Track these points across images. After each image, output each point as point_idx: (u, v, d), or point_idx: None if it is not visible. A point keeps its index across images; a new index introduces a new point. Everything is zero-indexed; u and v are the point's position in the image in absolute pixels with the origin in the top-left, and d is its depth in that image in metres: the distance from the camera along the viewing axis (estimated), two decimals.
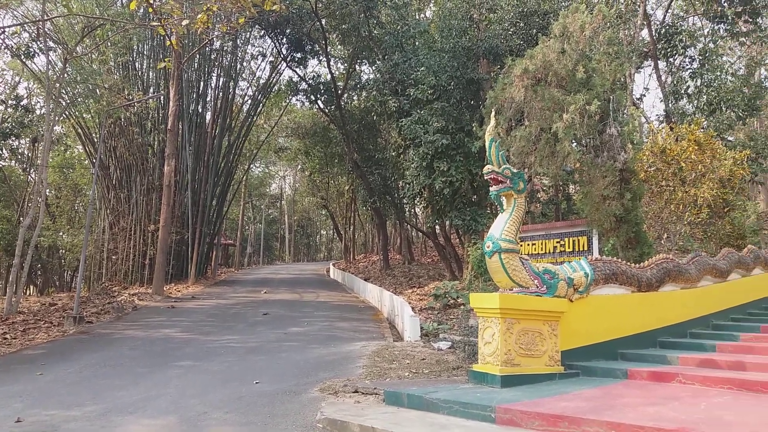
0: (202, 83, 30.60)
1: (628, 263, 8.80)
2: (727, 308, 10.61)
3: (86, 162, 32.54)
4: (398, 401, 6.53)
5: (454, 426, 5.56)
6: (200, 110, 30.62)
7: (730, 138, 20.55)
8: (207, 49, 29.02)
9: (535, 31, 18.13)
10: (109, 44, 23.21)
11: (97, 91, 23.43)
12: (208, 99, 31.47)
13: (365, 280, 25.74)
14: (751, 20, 21.12)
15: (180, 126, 26.97)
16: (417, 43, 22.83)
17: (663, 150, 11.91)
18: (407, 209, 36.46)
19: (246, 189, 48.12)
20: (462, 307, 14.21)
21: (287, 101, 36.97)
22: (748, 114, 21.27)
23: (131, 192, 27.37)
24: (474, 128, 15.47)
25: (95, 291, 24.85)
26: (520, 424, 5.39)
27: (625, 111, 12.05)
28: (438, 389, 6.78)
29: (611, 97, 10.88)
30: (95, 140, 27.06)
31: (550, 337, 7.43)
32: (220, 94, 31.11)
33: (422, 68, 19.55)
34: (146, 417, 6.62)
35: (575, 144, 10.84)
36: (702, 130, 13.15)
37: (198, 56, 28.59)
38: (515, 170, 7.68)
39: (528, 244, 13.24)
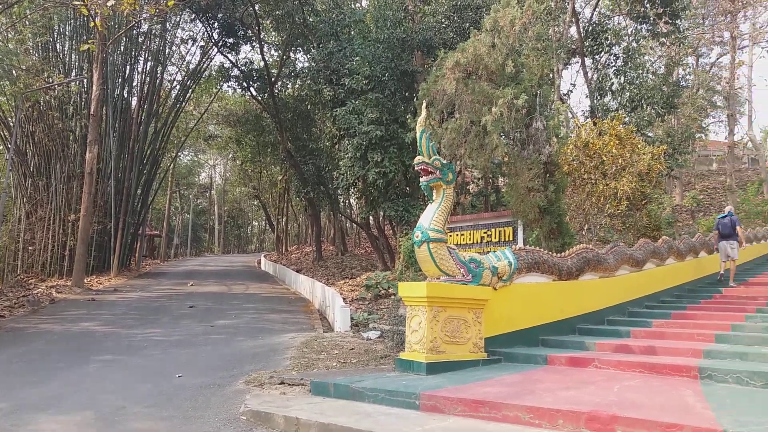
0: (128, 67, 29.18)
1: (550, 253, 9.09)
2: (643, 296, 11.17)
3: (0, 148, 30.50)
4: (325, 391, 6.48)
5: (379, 414, 5.56)
6: (126, 95, 29.22)
7: (650, 134, 21.61)
8: (134, 31, 27.71)
9: (467, 24, 18.40)
10: (27, 23, 21.76)
11: (14, 72, 21.94)
12: (134, 84, 30.06)
13: (297, 271, 25.48)
14: (670, 22, 22.23)
15: (104, 111, 25.69)
16: (352, 33, 22.69)
17: (586, 144, 12.37)
18: (341, 200, 36.34)
19: (173, 178, 46.47)
20: (393, 297, 14.31)
21: (218, 87, 35.92)
22: (666, 111, 22.43)
23: (51, 180, 25.84)
24: (408, 120, 15.56)
25: (9, 284, 23.36)
26: (443, 410, 5.46)
27: (552, 106, 12.43)
28: (364, 378, 6.77)
29: (538, 92, 11.18)
30: (11, 124, 25.37)
31: (474, 325, 7.57)
32: (147, 78, 29.80)
33: (357, 58, 19.46)
34: (61, 413, 6.26)
35: (503, 137, 11.08)
36: (623, 126, 13.75)
37: (124, 39, 27.25)
38: (445, 161, 7.75)
39: (457, 235, 13.46)
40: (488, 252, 9.00)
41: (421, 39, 19.39)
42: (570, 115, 26.37)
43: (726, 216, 13.13)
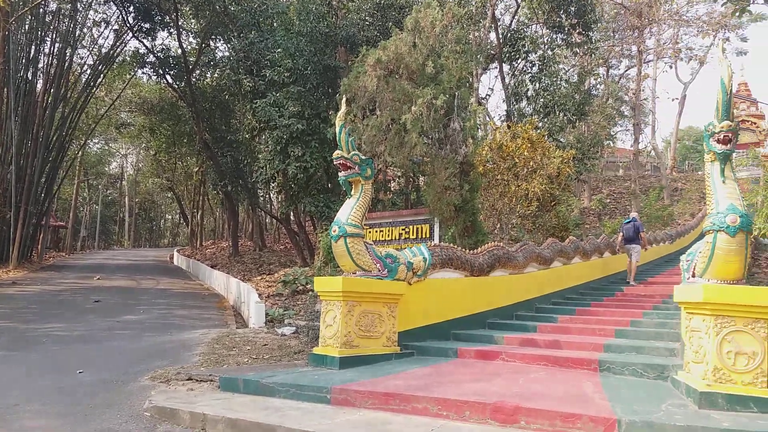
0: (33, 47, 27.23)
1: (464, 249, 9.33)
2: (550, 293, 11.70)
3: None
4: (234, 387, 6.32)
5: (288, 408, 5.49)
6: (30, 77, 27.27)
7: (561, 139, 22.65)
8: (41, 10, 25.88)
9: (390, 23, 18.50)
10: None
11: None
12: (40, 65, 28.12)
13: (212, 267, 24.76)
14: (583, 33, 23.41)
15: (5, 93, 23.85)
16: (274, 24, 22.26)
17: (500, 146, 12.80)
18: (261, 195, 35.65)
19: (82, 166, 43.85)
20: (310, 293, 14.19)
21: (132, 74, 34.24)
22: (577, 118, 23.58)
23: None
24: (330, 115, 15.49)
25: None
26: (354, 404, 5.47)
27: (469, 108, 12.76)
28: (276, 373, 6.67)
29: (457, 94, 11.45)
30: None
31: (388, 319, 7.64)
32: (55, 61, 27.91)
33: (279, 50, 19.12)
34: None
35: (422, 136, 11.27)
36: (537, 130, 14.35)
37: (30, 17, 25.40)
38: (364, 157, 7.76)
39: (376, 231, 13.55)
40: (405, 248, 9.12)
41: (344, 35, 19.34)
42: (487, 119, 27.19)
43: (630, 221, 13.87)
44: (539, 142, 12.93)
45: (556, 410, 4.69)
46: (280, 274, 20.64)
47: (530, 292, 10.89)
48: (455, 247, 9.15)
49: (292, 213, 25.80)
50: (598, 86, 33.43)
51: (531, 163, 12.75)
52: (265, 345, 9.42)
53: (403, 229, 13.00)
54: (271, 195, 38.48)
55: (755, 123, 46.99)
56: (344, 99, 8.07)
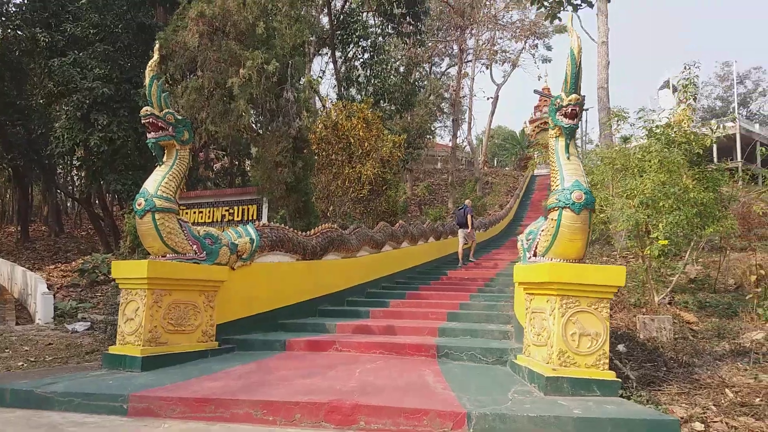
0: None
1: (296, 231, 8.49)
2: (381, 277, 11.36)
3: None
4: None
5: (70, 425, 4.25)
6: None
7: (389, 128, 22.73)
8: None
9: None
10: None
11: None
12: None
13: None
14: (413, 23, 23.71)
15: None
16: None
17: (335, 125, 12.14)
18: (60, 172, 31.18)
19: None
20: (113, 282, 12.29)
21: None
22: (404, 108, 23.92)
23: None
24: (144, 80, 13.51)
25: None
26: (158, 414, 4.39)
27: (303, 79, 11.91)
28: (58, 380, 5.26)
29: (291, 62, 10.53)
30: None
31: (205, 310, 6.55)
32: None
33: (84, 1, 16.46)
34: None
35: (251, 105, 10.16)
36: (371, 110, 13.94)
37: None
38: (180, 117, 6.53)
39: (195, 212, 12.16)
40: (230, 229, 8.03)
41: None
42: (318, 99, 26.49)
43: (462, 208, 14.74)
44: (374, 123, 12.53)
45: (399, 406, 4.11)
46: (78, 262, 17.96)
47: (362, 276, 10.42)
48: (287, 227, 8.27)
49: (95, 193, 22.71)
50: (423, 81, 34.55)
51: (365, 144, 12.29)
52: (49, 344, 7.73)
53: (227, 210, 11.79)
54: (73, 174, 33.90)
55: None
56: (156, 45, 6.75)
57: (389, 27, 24.51)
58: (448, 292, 10.48)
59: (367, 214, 14.00)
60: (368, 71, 23.50)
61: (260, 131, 10.25)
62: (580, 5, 16.51)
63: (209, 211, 11.94)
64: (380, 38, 24.39)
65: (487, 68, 47.93)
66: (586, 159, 13.57)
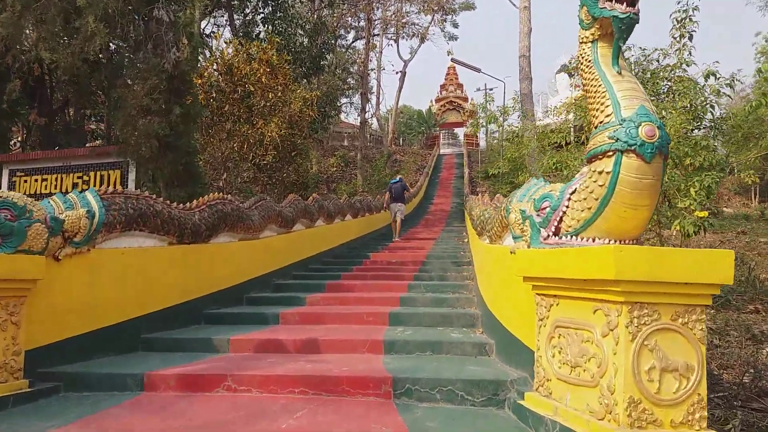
0: None
1: (169, 202, 5.83)
2: (290, 264, 8.93)
3: None
4: None
5: None
6: None
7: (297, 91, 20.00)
8: None
9: None
10: None
11: None
12: None
13: None
14: None
15: None
16: None
17: (230, 68, 9.39)
18: None
19: None
20: None
21: None
22: (313, 71, 21.27)
23: None
24: None
25: None
26: None
27: None
28: None
29: None
30: None
31: (7, 329, 3.86)
32: None
33: None
34: None
35: (106, 24, 7.25)
36: (277, 54, 11.17)
37: None
38: None
39: (37, 180, 9.05)
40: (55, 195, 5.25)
41: None
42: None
43: (397, 181, 14.07)
44: (280, 68, 9.90)
45: None
46: None
47: (268, 264, 7.92)
48: (153, 197, 5.58)
49: None
50: (330, 46, 31.83)
51: (270, 96, 9.65)
52: None
53: (79, 177, 8.82)
54: None
55: (461, 105, 51.85)
56: None
57: None
58: (379, 281, 8.22)
59: (272, 186, 11.40)
60: (270, 27, 20.48)
61: (120, 62, 7.35)
62: None
63: (56, 179, 8.90)
64: None
65: (395, 42, 46.00)
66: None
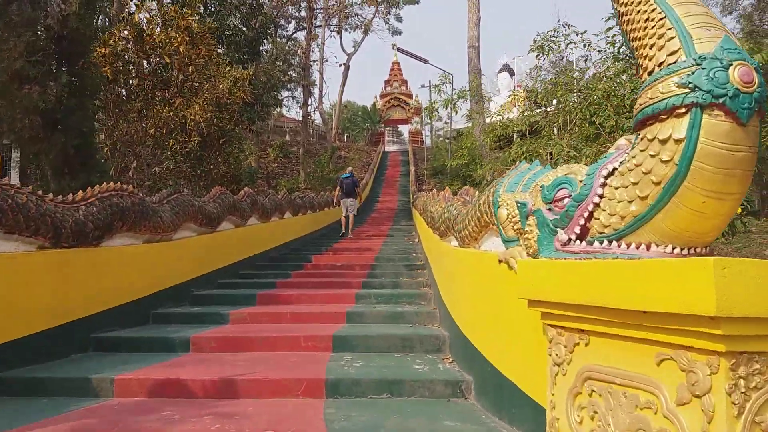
0: None
1: (39, 194, 4.37)
2: (216, 269, 7.55)
3: None
4: None
5: None
6: None
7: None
8: None
9: None
10: None
11: None
12: None
13: None
14: None
15: None
16: None
17: (140, 34, 7.87)
18: None
19: None
20: None
21: None
22: (249, 57, 19.74)
23: None
24: None
25: None
26: None
27: None
28: None
29: None
30: None
31: None
32: None
33: None
34: None
35: None
36: (198, 19, 9.58)
37: None
38: None
39: None
40: None
41: None
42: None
43: (349, 176, 13.52)
44: (203, 39, 8.43)
45: None
46: None
47: (185, 272, 6.52)
48: (12, 185, 4.12)
49: None
50: (269, 33, 30.17)
51: (191, 70, 8.18)
52: None
53: None
54: None
55: (405, 101, 51.16)
56: None
57: None
58: (321, 291, 6.94)
59: (197, 179, 9.91)
60: (202, 8, 18.73)
61: None
62: None
63: None
64: None
65: (338, 33, 44.57)
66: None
